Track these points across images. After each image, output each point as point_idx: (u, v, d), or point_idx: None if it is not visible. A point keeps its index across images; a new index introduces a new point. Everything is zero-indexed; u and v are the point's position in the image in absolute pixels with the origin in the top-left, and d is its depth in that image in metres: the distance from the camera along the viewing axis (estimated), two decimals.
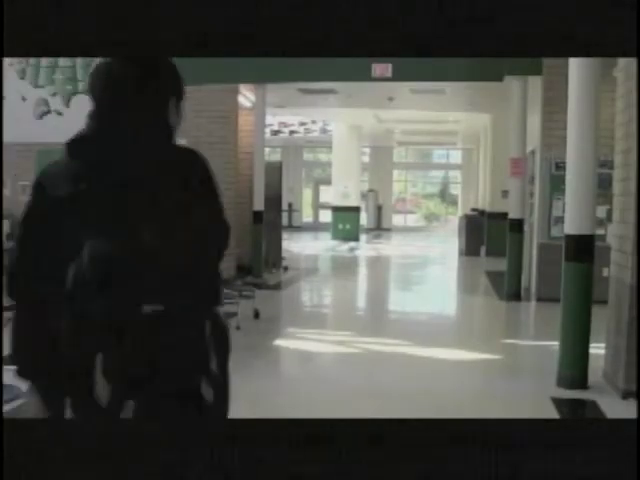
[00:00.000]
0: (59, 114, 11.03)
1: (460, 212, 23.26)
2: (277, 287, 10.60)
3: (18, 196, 11.31)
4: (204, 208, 1.71)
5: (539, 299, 9.07)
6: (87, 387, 1.54)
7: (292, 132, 22.53)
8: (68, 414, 1.58)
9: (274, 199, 12.20)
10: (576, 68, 5.14)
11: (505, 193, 12.38)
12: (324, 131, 22.17)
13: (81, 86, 10.96)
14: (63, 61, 10.90)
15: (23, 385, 1.78)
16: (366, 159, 25.78)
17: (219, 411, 1.71)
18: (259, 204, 10.87)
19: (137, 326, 1.53)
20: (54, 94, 11.03)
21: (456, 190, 29.06)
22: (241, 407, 5.59)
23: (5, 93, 10.59)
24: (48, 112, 11.07)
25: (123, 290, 1.54)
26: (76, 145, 1.72)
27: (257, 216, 10.85)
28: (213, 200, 1.75)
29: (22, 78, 11.07)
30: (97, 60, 1.87)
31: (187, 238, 1.64)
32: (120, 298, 1.54)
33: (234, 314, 7.37)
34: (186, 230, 1.64)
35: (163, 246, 1.59)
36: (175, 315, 1.57)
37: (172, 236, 1.60)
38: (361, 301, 10.81)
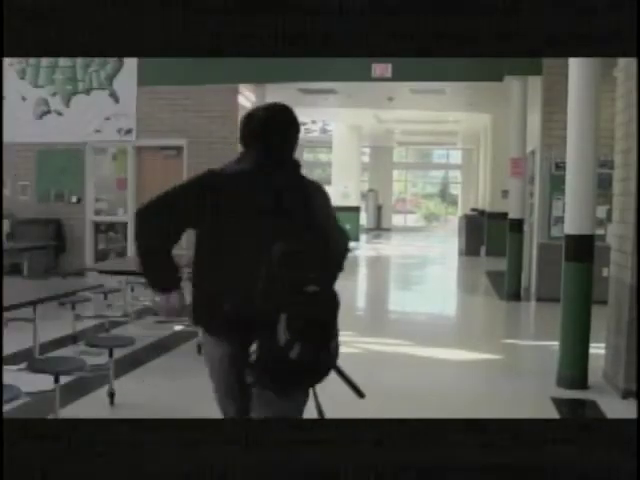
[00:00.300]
0: (59, 114, 11.02)
1: (460, 212, 23.25)
2: None
3: (18, 196, 11.32)
4: (335, 223, 2.56)
5: (539, 299, 9.06)
6: (273, 333, 2.22)
7: None
8: (254, 349, 2.27)
9: None
10: (576, 68, 5.13)
11: (505, 193, 12.38)
12: (324, 131, 22.15)
13: (81, 86, 10.97)
14: (63, 61, 10.90)
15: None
16: (366, 159, 25.77)
17: (335, 358, 2.38)
18: None
19: (304, 299, 2.24)
20: (54, 94, 11.03)
21: (456, 190, 29.04)
22: None
23: (5, 93, 10.58)
24: (48, 112, 11.06)
25: (296, 276, 2.25)
26: (257, 171, 2.44)
27: None
28: (335, 217, 2.59)
29: (22, 78, 11.06)
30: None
31: (332, 244, 2.44)
32: (294, 281, 2.24)
33: None
34: (330, 237, 2.44)
35: (317, 249, 2.33)
36: (324, 294, 2.30)
37: (322, 241, 2.37)
38: (361, 301, 10.80)
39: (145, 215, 2.45)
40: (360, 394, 2.36)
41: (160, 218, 2.44)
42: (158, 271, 2.47)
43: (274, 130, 2.50)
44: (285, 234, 2.29)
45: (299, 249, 2.29)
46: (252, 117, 2.56)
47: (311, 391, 2.44)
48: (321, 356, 2.30)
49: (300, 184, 2.49)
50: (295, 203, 2.41)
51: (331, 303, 2.31)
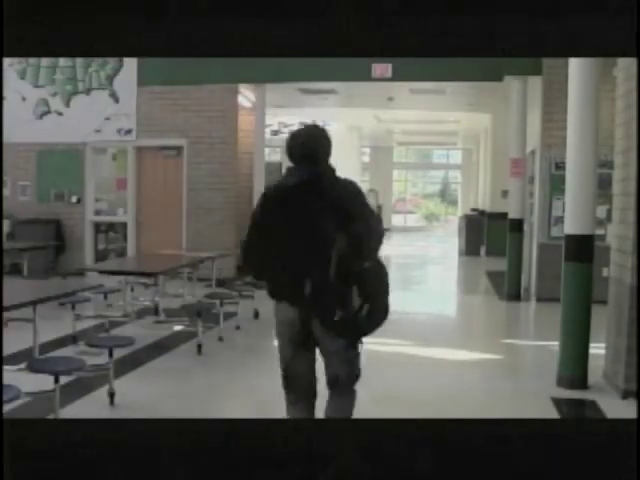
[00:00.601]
0: (59, 114, 11.02)
1: (460, 212, 23.23)
2: None
3: (18, 196, 11.32)
4: (370, 217, 3.22)
5: (539, 299, 9.06)
6: (349, 300, 3.06)
7: None
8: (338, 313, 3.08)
9: None
10: (576, 68, 5.13)
11: (505, 193, 12.37)
12: None
13: (81, 86, 10.97)
14: (63, 61, 10.89)
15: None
16: (366, 159, 25.76)
17: (387, 314, 3.28)
18: None
19: (365, 271, 3.10)
20: (54, 94, 11.03)
21: (456, 190, 29.02)
22: (241, 407, 5.57)
23: (5, 93, 10.58)
24: (48, 112, 11.06)
25: (359, 255, 3.08)
26: (305, 182, 3.17)
27: None
28: (369, 207, 3.26)
29: (22, 78, 11.06)
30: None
31: (376, 229, 3.22)
32: (359, 259, 3.08)
33: (234, 314, 7.37)
34: (365, 236, 3.14)
35: (365, 235, 3.12)
36: (376, 267, 3.16)
37: (370, 229, 3.16)
38: None
39: (244, 256, 3.35)
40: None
41: (253, 254, 3.31)
42: (272, 285, 3.32)
43: (315, 149, 3.22)
44: (339, 229, 3.08)
45: (355, 240, 3.08)
46: (296, 138, 3.25)
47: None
48: (378, 310, 3.18)
49: (338, 186, 3.22)
50: (338, 202, 3.15)
51: (382, 271, 3.19)
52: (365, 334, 3.22)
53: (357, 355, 3.31)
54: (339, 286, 3.05)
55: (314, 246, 3.12)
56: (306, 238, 3.15)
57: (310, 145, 3.21)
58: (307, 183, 3.17)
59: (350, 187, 3.24)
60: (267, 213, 3.24)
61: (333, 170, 3.26)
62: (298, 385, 3.35)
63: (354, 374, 3.35)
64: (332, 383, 3.33)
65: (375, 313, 3.15)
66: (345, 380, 3.33)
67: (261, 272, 3.37)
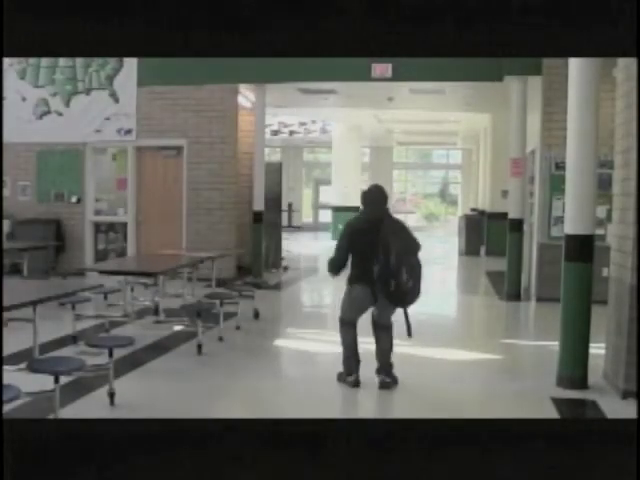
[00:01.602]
0: (59, 114, 11.02)
1: (460, 212, 23.22)
2: (277, 287, 10.60)
3: (18, 196, 11.32)
4: (411, 235, 5.28)
5: (539, 299, 9.06)
6: (400, 277, 5.10)
7: (292, 132, 22.51)
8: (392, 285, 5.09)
9: (274, 199, 12.17)
10: (576, 68, 5.13)
11: (505, 193, 12.37)
12: (324, 131, 22.14)
13: (81, 86, 10.97)
14: (63, 61, 10.89)
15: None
16: (366, 159, 25.75)
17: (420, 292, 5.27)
18: (259, 204, 10.87)
19: (411, 263, 5.12)
20: (54, 94, 11.03)
21: (456, 190, 29.02)
22: (241, 407, 5.57)
23: (5, 93, 10.58)
24: (48, 112, 11.06)
25: (409, 254, 5.13)
26: (371, 219, 5.27)
27: (257, 216, 10.85)
28: (411, 233, 5.35)
29: (22, 78, 11.06)
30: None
31: (413, 245, 5.22)
32: (408, 255, 5.12)
33: (234, 314, 7.37)
34: (411, 243, 5.20)
35: (408, 249, 5.15)
36: (417, 263, 5.16)
37: (409, 244, 5.19)
38: None
39: (336, 256, 5.35)
40: (410, 334, 5.27)
41: (343, 254, 5.32)
42: (339, 271, 5.37)
43: (380, 200, 5.34)
44: (394, 241, 5.04)
45: (404, 246, 5.08)
46: (368, 193, 5.41)
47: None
48: (417, 286, 5.13)
49: (392, 220, 5.29)
50: (393, 229, 5.16)
51: (419, 265, 5.13)
52: (408, 302, 5.16)
53: (393, 311, 5.35)
54: (396, 270, 5.00)
55: (379, 251, 5.05)
56: (375, 247, 5.06)
57: (374, 197, 5.35)
58: (374, 219, 5.22)
59: (399, 221, 5.39)
60: (353, 234, 5.28)
61: (389, 212, 5.36)
62: (351, 323, 5.34)
63: (391, 320, 5.44)
64: (382, 325, 5.39)
65: (415, 287, 5.11)
66: (389, 323, 5.41)
67: (340, 268, 5.36)
